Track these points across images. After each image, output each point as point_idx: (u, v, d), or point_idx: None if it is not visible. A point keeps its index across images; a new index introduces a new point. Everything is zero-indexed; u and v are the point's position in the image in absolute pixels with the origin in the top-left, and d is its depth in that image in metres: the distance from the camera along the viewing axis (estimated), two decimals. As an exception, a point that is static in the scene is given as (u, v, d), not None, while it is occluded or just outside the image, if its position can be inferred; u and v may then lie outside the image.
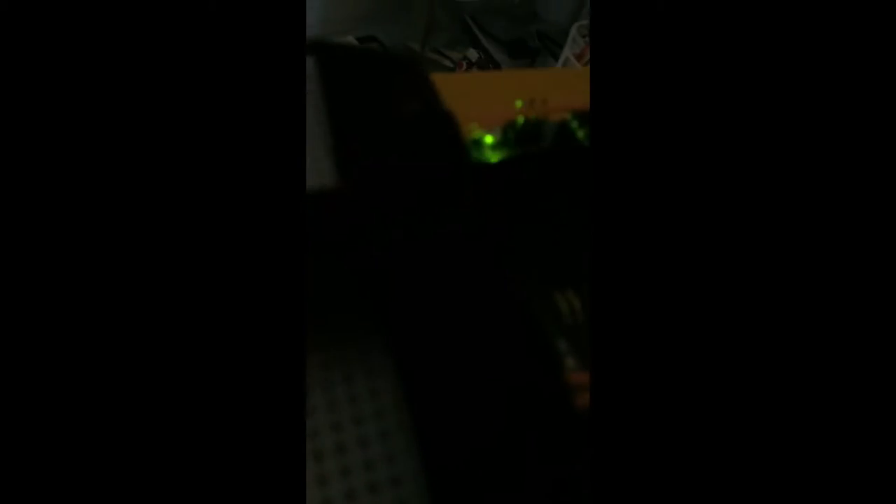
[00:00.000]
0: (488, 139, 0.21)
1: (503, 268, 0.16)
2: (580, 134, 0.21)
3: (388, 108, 0.17)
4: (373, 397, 0.14)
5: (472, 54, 0.89)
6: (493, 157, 0.21)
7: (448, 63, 0.89)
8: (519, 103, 0.21)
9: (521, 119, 0.20)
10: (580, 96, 0.22)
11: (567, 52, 0.49)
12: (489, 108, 0.21)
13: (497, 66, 0.85)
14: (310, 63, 0.19)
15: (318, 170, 0.18)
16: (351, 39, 0.80)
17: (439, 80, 0.19)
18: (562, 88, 0.22)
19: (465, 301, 0.15)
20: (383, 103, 0.18)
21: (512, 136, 0.21)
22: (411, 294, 0.15)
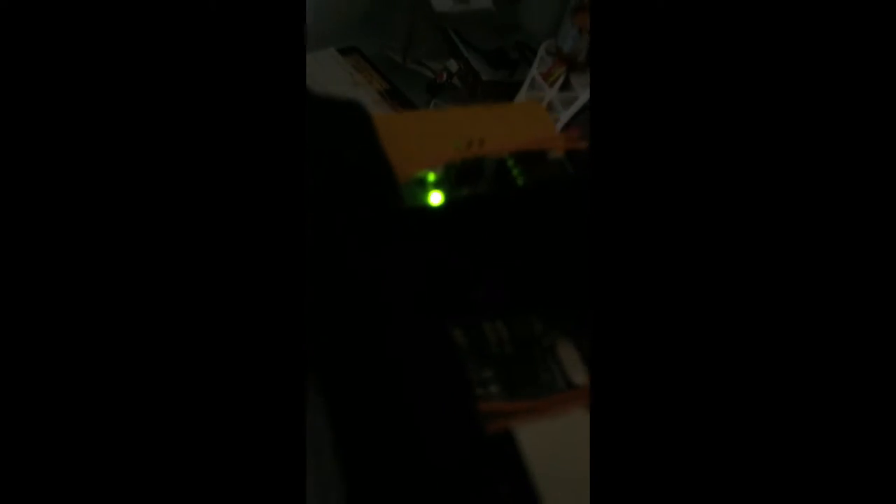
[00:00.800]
0: (431, 177, 0.22)
1: (431, 307, 0.17)
2: (515, 172, 0.23)
3: (330, 156, 0.19)
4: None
5: (453, 65, 0.89)
6: (436, 193, 0.22)
7: (429, 73, 0.90)
8: (456, 143, 0.23)
9: (459, 161, 0.22)
10: (513, 136, 0.24)
11: (534, 71, 0.50)
12: (433, 146, 0.23)
13: (477, 77, 0.86)
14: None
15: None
16: (332, 51, 0.81)
17: (385, 120, 0.21)
18: (496, 129, 0.24)
19: (393, 337, 0.16)
20: (326, 150, 0.19)
21: (453, 174, 0.22)
22: (345, 328, 0.16)
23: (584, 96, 0.49)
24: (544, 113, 0.27)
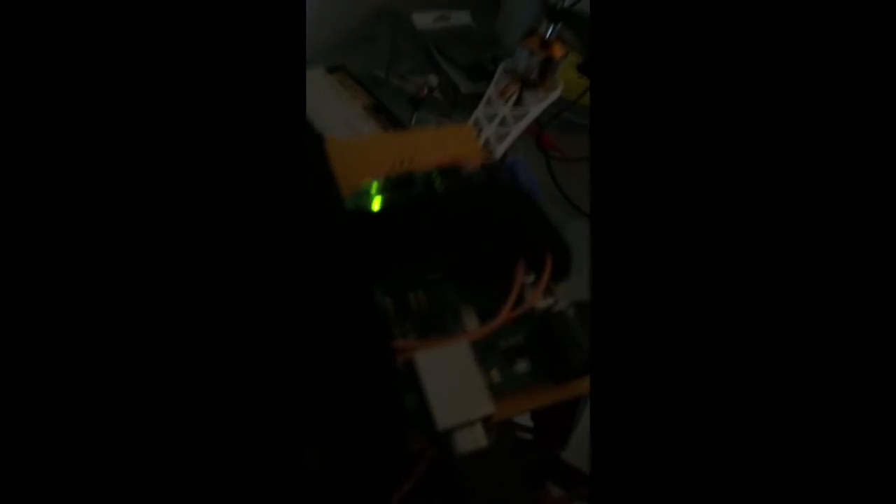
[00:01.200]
0: (374, 186, 0.30)
1: (368, 279, 0.24)
2: (438, 182, 0.30)
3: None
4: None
5: (433, 79, 0.95)
6: (377, 199, 0.30)
7: (411, 88, 0.95)
8: (393, 161, 0.30)
9: (395, 175, 0.29)
10: (439, 154, 0.31)
11: (491, 90, 0.57)
12: (375, 162, 0.30)
13: (456, 90, 0.93)
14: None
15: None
16: (321, 69, 0.87)
17: (334, 143, 0.28)
18: (427, 148, 0.31)
19: (337, 301, 0.23)
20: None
21: (390, 184, 0.30)
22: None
23: (534, 111, 0.56)
24: (472, 133, 0.34)
